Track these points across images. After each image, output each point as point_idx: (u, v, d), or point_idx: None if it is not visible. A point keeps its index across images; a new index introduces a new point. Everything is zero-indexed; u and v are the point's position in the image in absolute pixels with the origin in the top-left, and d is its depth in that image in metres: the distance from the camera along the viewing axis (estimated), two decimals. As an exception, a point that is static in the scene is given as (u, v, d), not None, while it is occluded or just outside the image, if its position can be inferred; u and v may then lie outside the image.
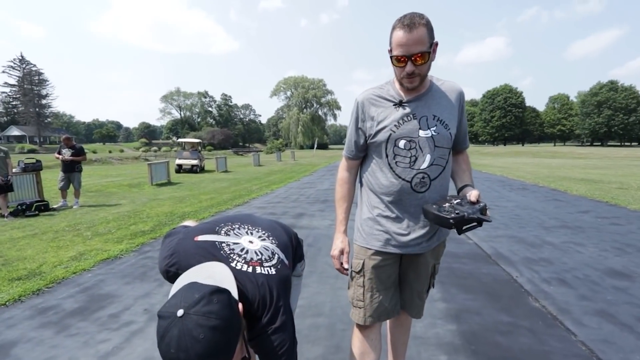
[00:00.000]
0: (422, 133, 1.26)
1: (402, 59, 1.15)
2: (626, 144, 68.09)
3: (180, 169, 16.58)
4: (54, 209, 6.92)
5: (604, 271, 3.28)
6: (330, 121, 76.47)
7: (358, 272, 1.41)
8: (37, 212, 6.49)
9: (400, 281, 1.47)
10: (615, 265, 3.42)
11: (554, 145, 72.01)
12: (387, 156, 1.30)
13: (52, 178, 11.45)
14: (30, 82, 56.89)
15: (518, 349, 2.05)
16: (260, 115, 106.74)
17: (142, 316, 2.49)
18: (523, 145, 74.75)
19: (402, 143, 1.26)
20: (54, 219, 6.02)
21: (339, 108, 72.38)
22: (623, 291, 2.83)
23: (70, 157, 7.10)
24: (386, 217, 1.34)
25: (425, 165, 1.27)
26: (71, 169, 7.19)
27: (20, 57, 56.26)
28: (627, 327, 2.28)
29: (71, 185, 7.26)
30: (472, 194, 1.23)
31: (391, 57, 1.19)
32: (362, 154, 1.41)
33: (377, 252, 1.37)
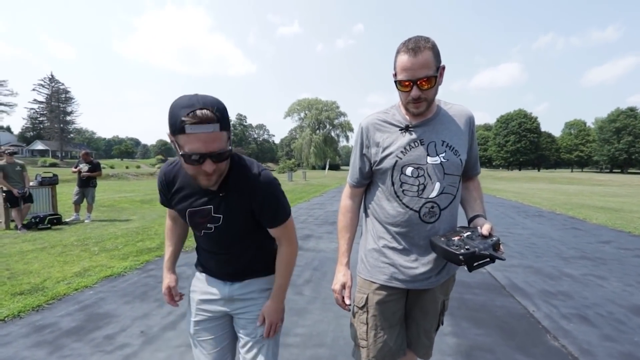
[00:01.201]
0: (430, 160, 1.19)
1: (407, 84, 1.12)
2: (648, 171, 65.86)
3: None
4: (66, 223, 7.02)
5: (629, 308, 3.04)
6: (342, 142, 77.08)
7: (361, 308, 1.32)
8: (49, 226, 6.59)
9: (406, 318, 1.38)
10: (642, 303, 3.18)
11: (572, 172, 70.25)
12: (393, 184, 1.23)
13: (68, 192, 11.73)
14: (57, 100, 59.87)
15: (535, 394, 1.87)
16: (273, 136, 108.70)
17: (137, 339, 2.41)
18: (539, 170, 73.24)
19: (409, 170, 1.20)
20: (64, 233, 6.09)
21: (351, 130, 73.04)
22: (652, 332, 2.60)
23: (87, 172, 7.27)
24: (392, 248, 1.26)
25: (434, 194, 1.19)
26: (86, 184, 7.32)
27: (50, 76, 59.52)
28: (658, 374, 2.07)
29: (84, 200, 7.39)
30: (485, 227, 1.14)
31: (396, 81, 1.15)
32: (367, 181, 1.34)
33: (382, 287, 1.28)
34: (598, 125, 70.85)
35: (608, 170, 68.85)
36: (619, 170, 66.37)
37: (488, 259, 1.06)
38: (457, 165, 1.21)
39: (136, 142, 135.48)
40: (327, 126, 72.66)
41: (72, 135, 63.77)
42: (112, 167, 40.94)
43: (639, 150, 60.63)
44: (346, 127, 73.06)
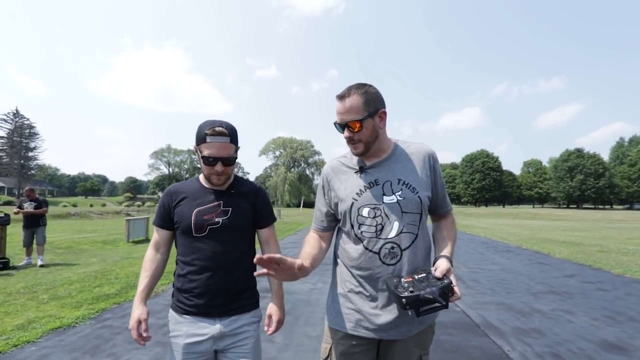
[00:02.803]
0: (386, 199, 1.18)
1: (341, 125, 1.19)
2: (599, 206, 70.94)
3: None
4: (14, 267, 6.38)
5: (598, 344, 3.10)
6: (317, 180, 77.73)
7: (325, 359, 1.25)
8: (-7, 272, 5.95)
9: None
10: (609, 337, 3.25)
11: (533, 207, 74.33)
12: (352, 226, 1.22)
13: (18, 232, 10.79)
14: (20, 135, 57.04)
15: None
16: (248, 173, 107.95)
17: (83, 402, 2.13)
18: (504, 206, 76.85)
19: (365, 211, 1.19)
20: (10, 279, 5.51)
21: (326, 167, 74.22)
22: (621, 368, 2.64)
23: (31, 211, 6.63)
24: (358, 293, 1.21)
25: (393, 233, 1.16)
26: (35, 224, 6.73)
27: (15, 111, 57.12)
28: (631, 412, 2.07)
29: (34, 242, 6.76)
30: (439, 269, 1.10)
31: (334, 123, 1.22)
32: (329, 226, 1.32)
33: (346, 335, 1.21)
34: (552, 164, 76.76)
35: (565, 206, 73.48)
36: (575, 206, 71.01)
37: (437, 304, 1.00)
38: (416, 203, 1.18)
39: (103, 179, 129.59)
40: (302, 164, 73.50)
41: (33, 171, 60.15)
42: (74, 205, 38.53)
43: (591, 188, 65.63)
44: (320, 166, 74.15)
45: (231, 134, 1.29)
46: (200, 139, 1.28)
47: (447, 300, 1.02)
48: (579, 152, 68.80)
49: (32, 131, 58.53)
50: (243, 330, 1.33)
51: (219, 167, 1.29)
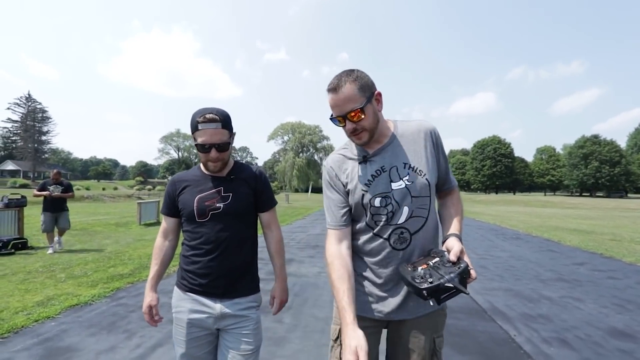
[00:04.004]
0: (394, 185, 1.15)
1: (340, 119, 1.12)
2: (613, 195, 69.44)
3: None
4: (32, 248, 6.60)
5: (606, 330, 3.09)
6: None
7: (335, 340, 1.23)
8: (13, 251, 6.18)
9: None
10: (618, 324, 3.23)
11: (545, 195, 73.15)
12: (366, 216, 1.18)
13: (36, 214, 11.13)
14: (33, 119, 57.98)
15: None
16: (257, 158, 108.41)
17: (101, 375, 2.23)
18: (514, 194, 75.82)
19: (377, 201, 1.16)
20: (29, 259, 5.71)
21: (334, 153, 73.87)
22: (629, 354, 2.64)
23: (60, 194, 6.23)
24: (367, 278, 1.21)
25: (402, 219, 1.15)
26: (60, 208, 6.33)
27: (27, 95, 57.92)
28: (637, 398, 2.07)
29: (55, 227, 6.31)
30: (453, 252, 1.06)
31: (330, 119, 1.15)
32: (348, 218, 1.21)
33: (358, 316, 1.18)
34: (567, 151, 74.92)
35: (578, 194, 72.11)
36: (588, 194, 69.65)
37: (455, 290, 0.98)
38: (424, 186, 1.16)
39: (115, 163, 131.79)
40: (311, 149, 73.33)
41: (46, 155, 61.40)
42: (87, 189, 39.40)
43: (605, 176, 64.10)
44: (329, 151, 73.87)
45: (223, 120, 1.30)
46: (194, 127, 1.30)
47: (465, 285, 0.99)
48: (595, 139, 66.88)
49: (44, 115, 59.38)
50: (243, 313, 1.37)
51: (213, 153, 1.30)
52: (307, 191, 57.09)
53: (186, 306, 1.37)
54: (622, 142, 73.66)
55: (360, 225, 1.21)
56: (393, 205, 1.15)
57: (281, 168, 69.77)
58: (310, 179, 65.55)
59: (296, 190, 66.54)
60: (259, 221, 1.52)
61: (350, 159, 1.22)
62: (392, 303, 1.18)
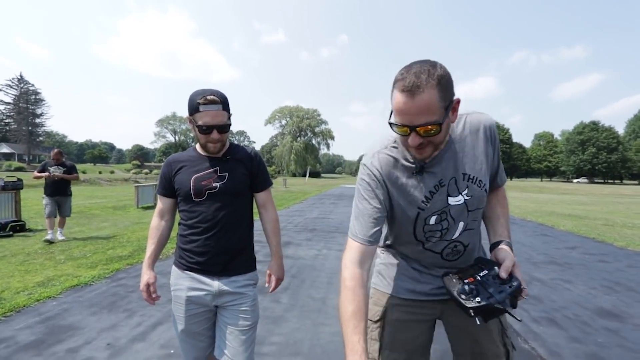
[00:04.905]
0: (452, 200, 1.01)
1: (404, 129, 0.89)
2: (609, 181, 70.10)
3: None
4: (30, 230, 6.62)
5: (594, 311, 3.18)
6: (323, 150, 77.31)
7: (375, 322, 1.14)
8: (11, 233, 6.21)
9: (458, 353, 1.16)
10: (605, 305, 3.33)
11: (541, 181, 73.68)
12: (415, 234, 1.06)
13: (32, 197, 11.12)
14: (26, 101, 56.97)
15: (507, 397, 1.91)
16: (254, 142, 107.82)
17: (103, 352, 2.29)
18: (511, 179, 76.28)
19: (432, 219, 1.03)
20: (27, 241, 5.75)
21: (332, 138, 73.51)
22: (614, 333, 2.73)
23: (62, 175, 5.65)
24: (414, 267, 1.14)
25: (457, 234, 1.05)
26: (62, 192, 5.75)
27: (19, 77, 56.67)
28: (620, 373, 2.17)
29: (57, 213, 5.75)
30: (504, 267, 0.94)
31: (390, 123, 0.92)
32: (378, 233, 1.02)
33: (402, 301, 1.12)
34: (565, 137, 75.04)
35: (585, 181, 72.69)
36: (585, 180, 70.20)
37: (503, 310, 0.91)
38: (482, 198, 1.04)
39: (110, 147, 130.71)
40: (308, 134, 72.87)
41: (41, 138, 60.71)
42: (83, 172, 39.18)
43: (602, 162, 64.49)
44: (327, 135, 73.53)
45: (223, 102, 1.31)
46: (193, 108, 1.30)
47: (516, 304, 0.92)
48: (594, 125, 66.94)
49: (37, 97, 58.32)
50: (241, 291, 1.40)
51: (214, 134, 1.32)
52: (304, 175, 57.11)
53: (185, 284, 1.40)
54: (621, 129, 73.72)
55: (406, 238, 1.10)
56: (449, 221, 1.03)
57: (279, 152, 69.51)
58: (308, 163, 65.48)
59: (294, 175, 66.56)
60: (254, 203, 1.54)
61: (403, 165, 1.00)
62: (441, 285, 1.09)
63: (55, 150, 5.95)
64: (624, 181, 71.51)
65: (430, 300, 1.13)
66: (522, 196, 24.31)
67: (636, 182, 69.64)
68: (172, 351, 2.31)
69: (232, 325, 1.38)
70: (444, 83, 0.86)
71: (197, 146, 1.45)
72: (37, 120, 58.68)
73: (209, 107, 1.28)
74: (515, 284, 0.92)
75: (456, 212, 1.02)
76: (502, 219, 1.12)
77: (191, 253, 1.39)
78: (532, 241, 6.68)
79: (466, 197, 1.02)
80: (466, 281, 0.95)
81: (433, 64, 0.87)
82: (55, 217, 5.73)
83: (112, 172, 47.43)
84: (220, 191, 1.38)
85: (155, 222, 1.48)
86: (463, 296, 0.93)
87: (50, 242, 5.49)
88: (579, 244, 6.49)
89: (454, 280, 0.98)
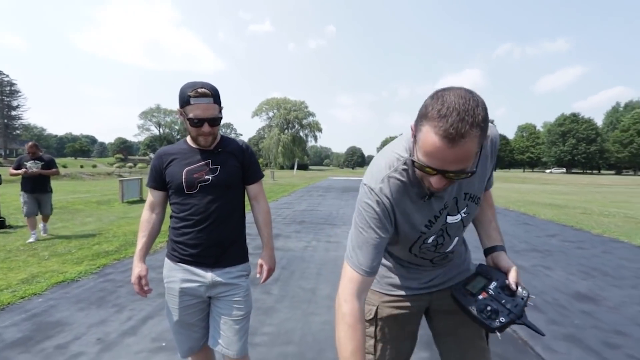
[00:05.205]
0: (450, 219, 1.02)
1: (431, 170, 0.81)
2: (588, 171, 72.51)
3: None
4: (10, 227, 6.43)
5: (571, 295, 3.34)
6: (311, 142, 77.11)
7: (368, 321, 1.19)
8: (-10, 230, 6.02)
9: (445, 334, 1.21)
10: (582, 289, 3.50)
11: (524, 171, 75.62)
12: (410, 250, 1.08)
13: (11, 193, 10.75)
14: (1, 93, 54.54)
15: (490, 377, 2.01)
16: (241, 135, 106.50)
17: (93, 347, 2.28)
18: (495, 170, 77.79)
19: (431, 239, 1.05)
20: (8, 237, 5.58)
21: (320, 130, 73.32)
22: (590, 315, 2.88)
23: (39, 171, 5.22)
24: (402, 265, 1.18)
25: (450, 247, 1.10)
26: (41, 188, 5.32)
27: (-9, 67, 54.08)
28: (594, 352, 2.30)
29: (39, 211, 5.40)
30: (512, 280, 0.98)
31: (413, 162, 0.84)
32: (377, 268, 0.97)
33: (392, 297, 1.17)
34: (547, 128, 76.96)
35: (563, 171, 74.85)
36: (564, 171, 72.42)
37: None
38: (475, 212, 1.06)
39: (92, 140, 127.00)
40: (296, 126, 72.45)
41: (18, 131, 58.36)
42: (64, 167, 37.99)
43: (581, 152, 66.57)
44: (314, 127, 73.27)
45: (214, 95, 1.31)
46: (184, 101, 1.30)
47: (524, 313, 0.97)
48: (574, 117, 68.84)
49: (13, 89, 55.84)
50: (234, 282, 1.42)
51: (205, 127, 1.32)
52: (292, 168, 56.94)
53: (178, 276, 1.41)
54: (600, 120, 76.06)
55: (400, 251, 1.12)
56: (444, 237, 1.06)
57: (266, 145, 68.99)
58: (295, 155, 65.22)
59: (281, 167, 66.29)
60: (246, 195, 1.55)
61: (409, 188, 0.95)
62: (428, 279, 1.16)
63: (30, 143, 5.40)
64: (602, 171, 74.08)
65: (419, 294, 1.18)
66: (505, 186, 24.92)
67: (613, 172, 72.25)
68: (163, 344, 2.32)
69: (226, 316, 1.40)
70: (485, 126, 0.76)
71: (188, 139, 1.44)
72: (13, 113, 56.30)
73: (200, 100, 1.28)
74: (525, 293, 0.97)
75: (453, 229, 1.04)
76: (493, 222, 1.14)
77: (184, 245, 1.40)
78: (514, 230, 6.90)
79: (463, 215, 1.03)
80: (480, 297, 0.98)
81: (476, 101, 0.75)
82: (36, 215, 5.36)
83: (94, 166, 46.14)
84: (212, 184, 1.38)
85: (145, 215, 1.48)
86: (484, 315, 0.95)
87: (33, 243, 5.15)
88: (559, 232, 6.74)
89: (467, 296, 1.00)
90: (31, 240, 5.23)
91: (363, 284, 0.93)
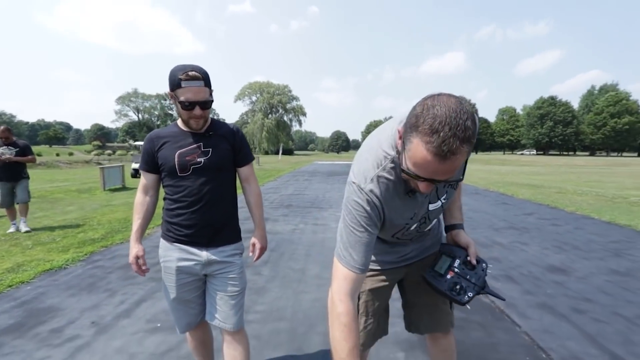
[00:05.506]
0: (432, 206, 1.09)
1: (421, 179, 0.84)
2: (564, 153, 75.22)
3: (136, 173, 15.66)
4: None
5: (545, 267, 3.58)
6: (295, 127, 76.43)
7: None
8: (-34, 221, 5.81)
9: (415, 304, 1.36)
10: (554, 262, 3.75)
11: (504, 154, 77.70)
12: (394, 236, 1.16)
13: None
14: (-38, 77, 51.15)
15: (470, 343, 2.17)
16: (224, 120, 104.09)
17: (88, 329, 2.31)
18: (477, 153, 79.79)
19: (414, 226, 1.13)
20: (-14, 228, 5.42)
21: (304, 114, 72.63)
22: (561, 285, 3.11)
23: (14, 157, 4.86)
24: (382, 241, 1.26)
25: (428, 228, 1.20)
26: (15, 176, 5.00)
27: (-50, 49, 50.46)
28: (564, 317, 2.50)
29: (14, 200, 5.05)
30: (472, 255, 1.13)
31: (403, 169, 0.86)
32: (368, 265, 1.02)
33: (374, 271, 1.27)
34: (526, 111, 78.82)
35: (534, 153, 77.26)
36: (542, 152, 74.88)
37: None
38: (454, 195, 1.15)
39: (67, 127, 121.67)
40: (280, 110, 71.46)
41: (-16, 118, 55.34)
42: (39, 155, 36.43)
43: (558, 135, 68.78)
44: (299, 112, 72.50)
45: (204, 78, 1.33)
46: (175, 84, 1.31)
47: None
48: (552, 100, 70.67)
49: (-23, 72, 52.50)
50: (228, 260, 1.48)
51: (197, 111, 1.34)
52: (277, 153, 56.54)
53: (174, 255, 1.46)
54: (576, 104, 78.29)
55: (383, 235, 1.18)
56: (426, 222, 1.14)
57: (250, 130, 67.92)
58: (280, 140, 64.63)
59: (266, 153, 65.66)
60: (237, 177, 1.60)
61: (396, 186, 0.98)
62: (404, 254, 1.26)
63: (2, 127, 4.94)
64: (577, 153, 76.96)
65: (397, 267, 1.29)
66: (486, 168, 25.64)
67: (587, 153, 75.17)
68: (159, 325, 2.38)
69: (222, 292, 1.47)
70: (474, 140, 0.77)
71: (179, 122, 1.46)
72: (-21, 98, 53.12)
73: (191, 83, 1.30)
74: (484, 265, 1.11)
75: (434, 214, 1.13)
76: (457, 202, 1.24)
77: (178, 226, 1.44)
78: (494, 209, 7.20)
79: (443, 201, 1.10)
80: (448, 277, 1.13)
81: (466, 113, 0.74)
82: (13, 205, 5.07)
83: (70, 154, 44.48)
84: (204, 166, 1.41)
85: (139, 198, 1.51)
86: (454, 293, 1.10)
87: (14, 233, 4.99)
88: (535, 210, 7.07)
89: (437, 278, 1.14)
90: (11, 230, 5.09)
91: (357, 282, 0.97)
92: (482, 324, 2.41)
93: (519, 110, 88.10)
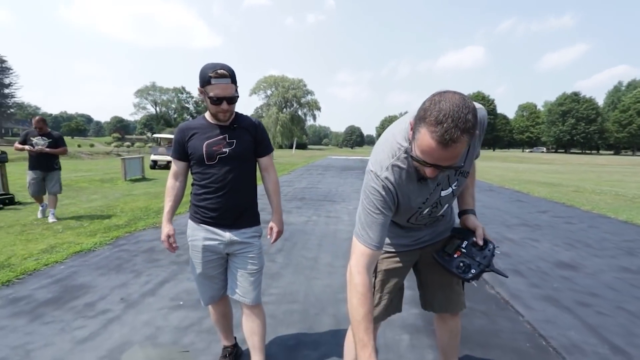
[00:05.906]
0: (444, 193, 1.18)
1: (427, 164, 0.96)
2: (587, 151, 72.69)
3: (155, 165, 16.18)
4: (20, 203, 6.63)
5: (554, 263, 3.61)
6: (309, 121, 76.43)
7: None
8: (1, 206, 6.22)
9: (429, 283, 1.46)
10: (564, 258, 3.77)
11: (523, 151, 75.71)
12: (408, 220, 1.27)
13: (15, 172, 10.89)
14: (-8, 70, 53.39)
15: (473, 329, 2.28)
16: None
17: (118, 305, 2.53)
18: (494, 150, 78.07)
19: (426, 211, 1.23)
20: (20, 213, 5.80)
21: (318, 109, 72.55)
22: (568, 280, 3.15)
23: (47, 149, 4.96)
24: (398, 225, 1.36)
25: (441, 212, 1.29)
26: (48, 166, 5.10)
27: (-20, 43, 52.57)
28: (567, 309, 2.57)
29: (46, 190, 5.17)
30: (478, 235, 1.22)
31: (412, 156, 0.99)
32: (384, 242, 1.14)
33: (389, 254, 1.37)
34: (547, 108, 76.38)
35: (554, 150, 75.00)
36: (563, 150, 72.55)
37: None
38: (464, 183, 1.23)
39: (88, 119, 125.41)
40: (294, 105, 71.59)
41: (12, 110, 57.57)
42: (62, 146, 37.75)
43: (581, 132, 66.45)
44: (313, 106, 72.44)
45: (231, 75, 1.47)
46: (205, 81, 1.45)
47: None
48: (575, 96, 68.20)
49: (4, 66, 54.53)
50: (248, 240, 1.63)
51: (224, 105, 1.48)
52: (291, 147, 56.84)
53: (200, 235, 1.63)
54: (601, 100, 75.36)
55: (398, 219, 1.28)
56: (438, 207, 1.24)
57: (265, 123, 68.23)
58: (294, 134, 64.87)
59: (280, 147, 66.04)
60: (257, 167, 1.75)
61: (409, 174, 1.10)
62: (418, 238, 1.36)
63: (37, 117, 5.05)
64: (601, 152, 74.27)
65: (412, 249, 1.39)
66: (503, 166, 25.16)
67: (612, 152, 72.40)
68: (181, 302, 2.58)
69: (242, 269, 1.63)
70: (474, 131, 0.89)
71: (207, 115, 1.62)
72: (6, 91, 55.30)
73: (220, 80, 1.44)
74: (491, 246, 1.20)
75: (445, 200, 1.22)
76: (470, 189, 1.34)
77: (205, 209, 1.60)
78: (507, 206, 7.16)
79: (454, 188, 1.19)
80: (455, 256, 1.23)
81: (467, 108, 0.86)
82: (43, 194, 5.19)
83: (91, 145, 45.98)
84: (229, 156, 1.56)
85: (170, 183, 1.68)
86: (459, 270, 1.21)
87: (43, 218, 5.25)
88: (550, 208, 7.00)
89: (445, 257, 1.26)
90: (39, 215, 5.39)
91: (373, 257, 1.10)
92: (486, 313, 2.50)
93: (539, 107, 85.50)
